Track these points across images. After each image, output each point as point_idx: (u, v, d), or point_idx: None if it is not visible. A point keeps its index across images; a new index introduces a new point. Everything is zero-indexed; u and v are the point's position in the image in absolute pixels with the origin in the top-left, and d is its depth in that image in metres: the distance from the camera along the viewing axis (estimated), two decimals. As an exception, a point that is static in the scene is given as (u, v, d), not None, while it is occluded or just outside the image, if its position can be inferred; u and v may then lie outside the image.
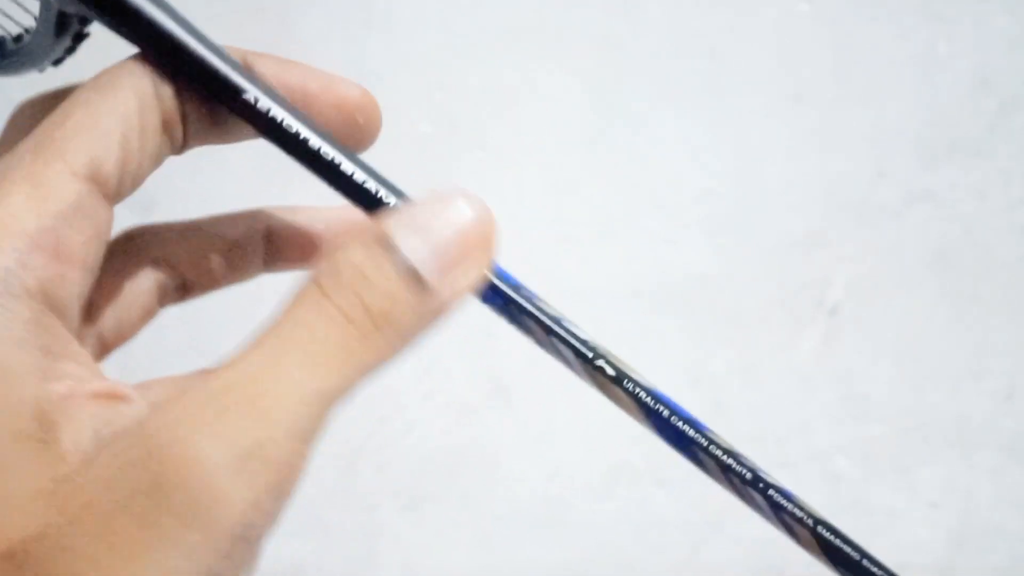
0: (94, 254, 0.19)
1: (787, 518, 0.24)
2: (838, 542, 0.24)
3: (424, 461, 0.50)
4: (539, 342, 0.23)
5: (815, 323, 0.49)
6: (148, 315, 0.23)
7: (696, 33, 0.49)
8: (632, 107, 0.49)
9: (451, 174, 0.48)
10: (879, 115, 0.50)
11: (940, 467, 0.49)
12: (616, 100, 0.49)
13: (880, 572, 0.24)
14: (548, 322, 0.23)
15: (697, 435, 0.24)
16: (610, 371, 0.24)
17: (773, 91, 0.50)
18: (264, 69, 0.21)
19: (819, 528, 0.25)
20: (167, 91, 0.20)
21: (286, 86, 0.21)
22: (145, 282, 0.23)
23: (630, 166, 0.49)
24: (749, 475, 0.24)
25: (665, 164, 0.49)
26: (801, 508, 0.25)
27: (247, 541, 0.17)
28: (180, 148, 0.21)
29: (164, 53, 0.20)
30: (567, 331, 0.23)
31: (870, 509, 0.49)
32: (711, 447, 0.24)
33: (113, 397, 0.18)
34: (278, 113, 0.20)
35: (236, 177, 0.43)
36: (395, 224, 0.19)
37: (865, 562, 0.24)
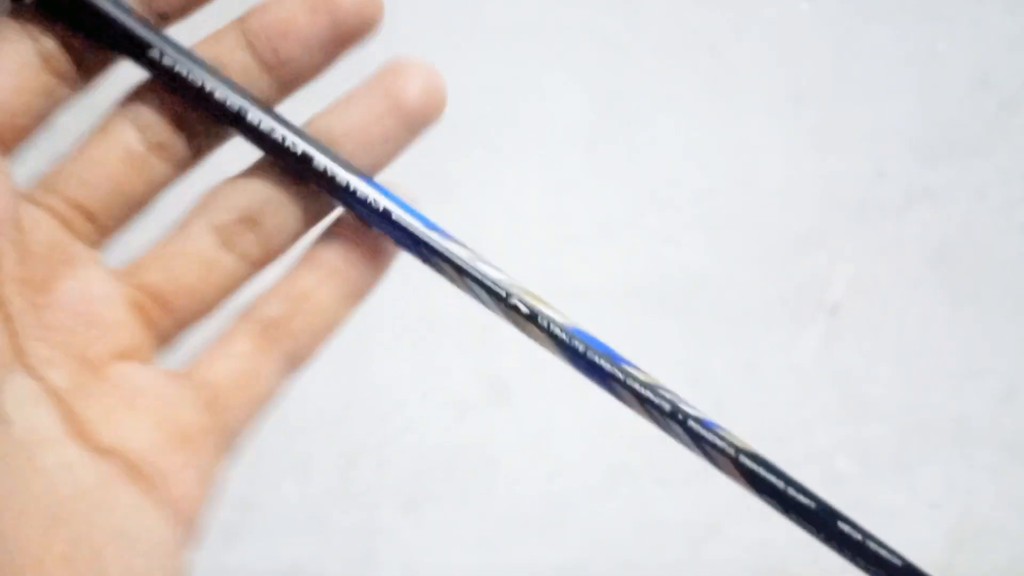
0: None
1: (708, 448, 0.24)
2: (762, 471, 0.24)
3: (423, 460, 0.50)
4: (452, 281, 0.23)
5: (815, 322, 0.49)
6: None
7: (696, 32, 0.49)
8: (632, 106, 0.49)
9: (450, 172, 0.48)
10: (879, 114, 0.50)
11: (940, 467, 0.49)
12: (616, 99, 0.49)
13: (806, 500, 0.24)
14: (460, 262, 0.23)
15: (614, 368, 0.24)
16: (524, 309, 0.23)
17: (773, 90, 0.50)
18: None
19: (741, 457, 0.24)
20: (49, 43, 0.20)
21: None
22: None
23: (630, 165, 0.49)
24: (668, 407, 0.24)
25: (665, 163, 0.49)
26: (722, 437, 0.24)
27: None
28: (82, 84, 0.21)
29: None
30: (479, 272, 0.23)
31: (870, 509, 0.48)
32: (628, 380, 0.24)
33: None
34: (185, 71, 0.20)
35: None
36: None
37: (791, 491, 0.24)
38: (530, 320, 0.23)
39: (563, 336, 0.23)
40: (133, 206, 0.22)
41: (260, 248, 0.22)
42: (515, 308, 0.23)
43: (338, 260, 0.23)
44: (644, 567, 0.50)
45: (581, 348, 0.24)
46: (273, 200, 0.22)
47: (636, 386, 0.24)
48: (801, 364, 0.49)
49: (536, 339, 0.24)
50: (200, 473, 0.21)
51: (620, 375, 0.24)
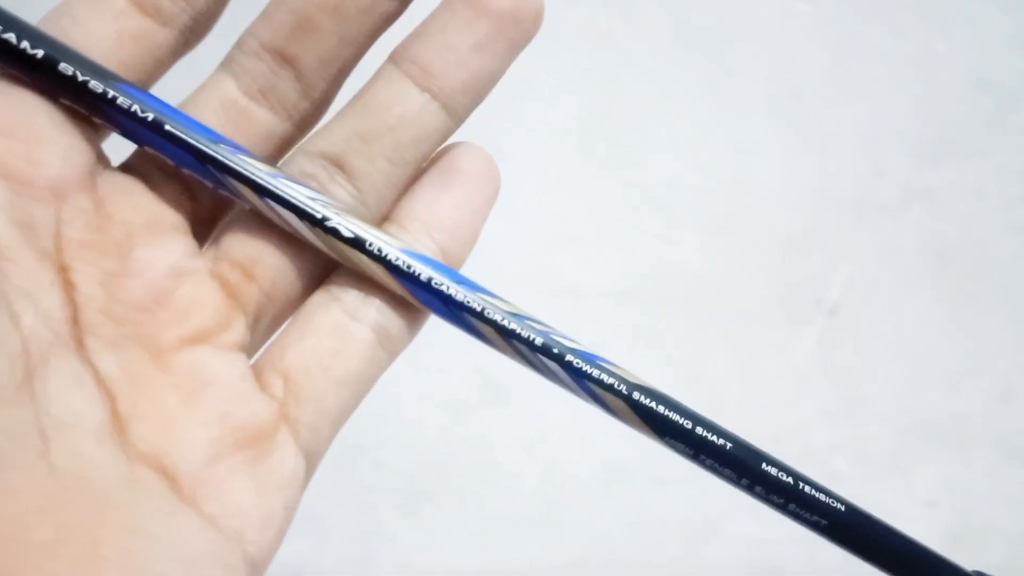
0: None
1: (594, 387, 0.20)
2: (662, 409, 0.20)
3: (421, 460, 0.50)
4: (255, 207, 0.19)
5: (813, 322, 0.49)
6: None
7: (695, 32, 0.49)
8: (630, 106, 0.49)
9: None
10: (877, 114, 0.50)
11: (937, 467, 0.49)
12: (614, 98, 0.49)
13: (719, 440, 0.20)
14: (261, 180, 0.19)
15: (468, 298, 0.20)
16: (346, 233, 0.20)
17: (771, 90, 0.50)
18: None
19: (636, 395, 0.20)
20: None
21: None
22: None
23: (628, 164, 0.49)
24: (540, 340, 0.20)
25: (663, 163, 0.49)
26: (610, 372, 0.20)
27: None
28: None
29: None
30: (282, 189, 0.19)
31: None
32: (487, 311, 0.20)
33: None
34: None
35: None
36: None
37: (699, 429, 0.20)
38: (355, 246, 0.20)
39: (398, 261, 0.20)
40: None
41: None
42: (334, 232, 0.20)
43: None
44: (641, 566, 0.50)
45: (423, 275, 0.20)
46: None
47: (497, 317, 0.20)
48: (799, 364, 0.49)
49: (368, 271, 0.20)
50: (259, 488, 0.19)
51: (476, 305, 0.20)
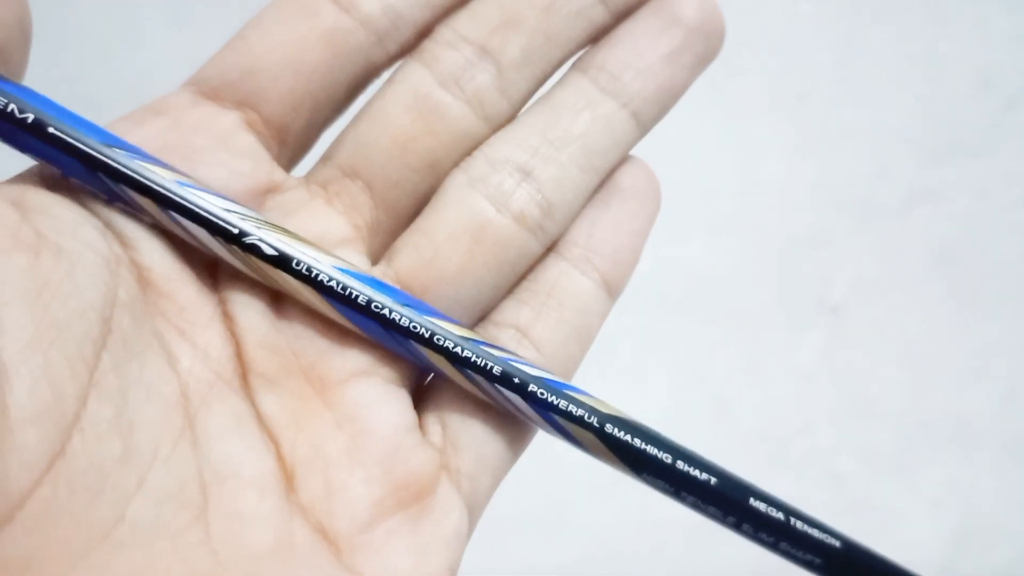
0: None
1: (561, 420, 0.18)
2: (639, 442, 0.18)
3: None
4: (159, 222, 0.16)
5: (817, 323, 0.49)
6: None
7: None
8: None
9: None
10: (881, 115, 0.50)
11: (942, 466, 0.49)
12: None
13: (702, 475, 0.18)
14: (164, 190, 0.16)
15: (414, 323, 0.17)
16: (267, 250, 0.17)
17: (775, 91, 0.50)
18: None
19: (608, 427, 0.18)
20: None
21: None
22: None
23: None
24: (498, 369, 0.17)
25: (667, 163, 0.49)
26: (579, 404, 0.18)
27: None
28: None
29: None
30: (190, 200, 0.16)
31: (872, 509, 0.49)
32: (437, 337, 0.17)
33: None
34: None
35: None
36: None
37: (680, 464, 0.18)
38: (278, 265, 0.17)
39: (331, 282, 0.17)
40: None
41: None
42: (254, 249, 0.17)
43: None
44: (643, 567, 0.50)
45: (361, 297, 0.17)
46: None
47: (449, 344, 0.17)
48: (803, 364, 0.49)
49: (296, 294, 0.17)
50: (421, 549, 0.17)
51: (423, 331, 0.17)
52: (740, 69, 0.49)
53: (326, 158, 0.19)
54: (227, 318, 0.17)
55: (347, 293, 0.17)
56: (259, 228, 0.17)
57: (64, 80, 0.46)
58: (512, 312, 0.19)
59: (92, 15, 0.48)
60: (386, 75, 0.19)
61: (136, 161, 0.16)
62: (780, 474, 0.47)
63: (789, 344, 0.49)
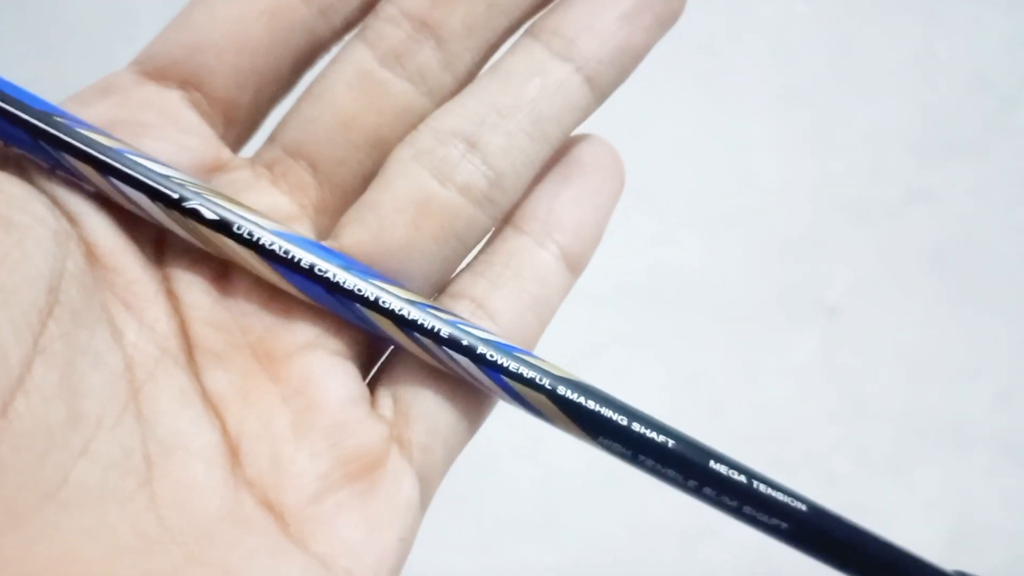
0: None
1: (513, 383, 0.17)
2: (593, 404, 0.17)
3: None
4: (100, 189, 0.16)
5: (813, 323, 0.49)
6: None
7: (694, 32, 0.49)
8: (628, 106, 0.49)
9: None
10: (877, 115, 0.50)
11: (938, 467, 0.49)
12: (613, 99, 0.49)
13: (660, 437, 0.17)
14: (103, 156, 0.16)
15: (359, 286, 0.17)
16: (208, 214, 0.16)
17: (770, 90, 0.50)
18: None
19: (561, 389, 0.17)
20: None
21: None
22: None
23: (627, 165, 0.49)
24: (446, 331, 0.17)
25: (662, 163, 0.49)
26: (530, 366, 0.17)
27: None
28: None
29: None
30: (128, 165, 0.16)
31: (868, 509, 0.48)
32: (382, 300, 0.17)
33: None
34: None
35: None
36: None
37: (636, 425, 0.17)
38: (219, 229, 0.17)
39: (273, 246, 0.17)
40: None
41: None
42: (194, 214, 0.16)
43: None
44: (638, 568, 0.50)
45: (303, 260, 0.17)
46: None
47: (394, 306, 0.17)
48: (799, 365, 0.49)
49: (238, 258, 0.17)
50: (371, 521, 0.17)
51: (369, 294, 0.17)
52: (737, 69, 0.49)
53: (271, 139, 0.19)
54: (171, 295, 0.17)
55: (290, 257, 0.17)
56: (199, 193, 0.17)
57: (58, 79, 0.45)
58: (468, 283, 0.19)
59: (85, 13, 0.47)
60: (332, 53, 0.19)
61: (78, 129, 0.16)
62: (776, 474, 0.47)
63: (786, 344, 0.49)
